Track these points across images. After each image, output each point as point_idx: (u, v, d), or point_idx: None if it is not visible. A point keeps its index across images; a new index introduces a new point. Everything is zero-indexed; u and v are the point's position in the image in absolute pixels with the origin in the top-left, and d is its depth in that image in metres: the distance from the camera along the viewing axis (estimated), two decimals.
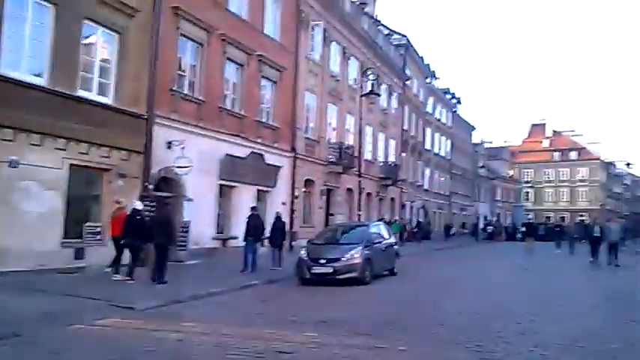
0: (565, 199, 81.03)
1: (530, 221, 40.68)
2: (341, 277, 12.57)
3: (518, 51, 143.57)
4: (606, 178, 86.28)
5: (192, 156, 15.38)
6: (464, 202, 55.57)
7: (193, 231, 15.73)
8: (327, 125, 26.82)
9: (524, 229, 43.85)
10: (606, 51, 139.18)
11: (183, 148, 15.12)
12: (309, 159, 24.52)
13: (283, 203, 22.38)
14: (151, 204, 13.62)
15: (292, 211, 22.69)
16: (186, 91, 16.59)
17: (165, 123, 15.35)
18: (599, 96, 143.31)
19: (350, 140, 28.49)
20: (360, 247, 13.09)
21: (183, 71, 16.66)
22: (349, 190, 28.26)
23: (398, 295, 11.52)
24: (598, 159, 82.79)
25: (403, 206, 38.31)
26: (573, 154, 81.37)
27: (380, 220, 26.08)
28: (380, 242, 14.26)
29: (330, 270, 12.63)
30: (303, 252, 13.55)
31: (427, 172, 45.62)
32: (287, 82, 22.63)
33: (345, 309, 9.43)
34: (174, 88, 15.88)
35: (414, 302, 10.35)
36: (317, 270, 12.74)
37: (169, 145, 15.29)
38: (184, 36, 16.40)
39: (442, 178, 49.96)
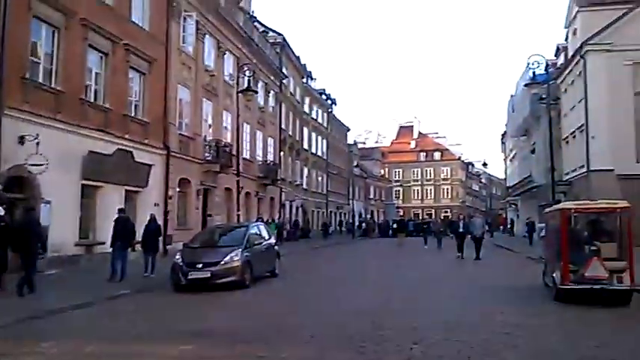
0: (430, 197, 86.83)
1: (402, 218, 42.72)
2: (220, 281, 11.88)
3: (390, 56, 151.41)
4: (465, 176, 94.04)
5: (49, 153, 13.65)
6: (340, 201, 57.04)
7: (53, 237, 14.01)
8: (202, 122, 25.70)
9: (395, 225, 46.34)
10: (466, 61, 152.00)
11: (37, 143, 13.36)
12: (184, 157, 23.29)
13: (156, 204, 20.97)
14: (1, 206, 11.79)
15: (166, 213, 21.35)
16: (41, 80, 14.73)
17: (16, 115, 13.48)
18: (459, 102, 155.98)
19: (227, 138, 27.66)
20: (240, 250, 12.49)
21: (38, 58, 14.79)
22: (228, 189, 27.36)
23: (280, 297, 11.11)
24: (459, 159, 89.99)
25: (283, 205, 38.18)
26: (437, 155, 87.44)
27: (258, 219, 25.61)
28: (260, 243, 13.77)
29: (208, 275, 11.88)
30: (177, 256, 12.63)
31: (305, 171, 46.01)
32: (158, 75, 21.23)
33: (224, 316, 8.82)
34: (26, 76, 14.01)
35: (297, 304, 10.02)
36: (193, 275, 11.91)
37: (21, 140, 13.46)
38: (38, 18, 14.56)
39: (320, 178, 50.76)
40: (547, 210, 11.69)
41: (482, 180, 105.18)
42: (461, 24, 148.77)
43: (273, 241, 15.27)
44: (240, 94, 22.51)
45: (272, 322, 8.14)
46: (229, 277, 11.99)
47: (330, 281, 13.78)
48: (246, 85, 21.66)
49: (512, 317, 8.16)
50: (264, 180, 32.96)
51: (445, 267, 17.98)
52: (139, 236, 14.23)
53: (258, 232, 14.20)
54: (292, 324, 7.96)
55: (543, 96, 23.76)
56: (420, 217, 65.90)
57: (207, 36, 25.72)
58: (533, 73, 21.05)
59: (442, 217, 42.77)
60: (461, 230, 20.61)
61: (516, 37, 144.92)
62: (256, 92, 23.46)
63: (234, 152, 25.68)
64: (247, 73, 22.13)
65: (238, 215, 21.57)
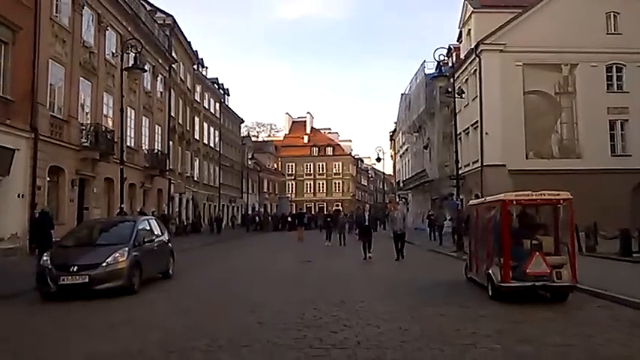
0: (322, 191, 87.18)
1: (301, 211, 41.63)
2: (101, 287, 9.67)
3: (282, 51, 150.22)
4: (356, 172, 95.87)
5: None
6: (233, 194, 54.81)
7: None
8: (79, 103, 22.49)
9: (289, 219, 45.24)
10: (355, 61, 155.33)
11: None
12: (56, 142, 20.09)
13: (20, 195, 17.80)
14: None
15: (33, 206, 18.19)
16: None
17: None
18: (349, 100, 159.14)
19: (109, 124, 24.60)
20: (127, 248, 10.33)
21: None
22: (109, 180, 24.31)
23: (176, 304, 9.14)
24: (349, 155, 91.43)
25: (172, 198, 35.33)
26: (329, 150, 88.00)
27: (140, 213, 22.89)
28: (151, 240, 11.63)
29: (86, 280, 9.60)
30: (45, 257, 10.18)
31: (196, 162, 43.32)
32: (24, 46, 17.99)
33: (109, 335, 6.78)
34: None
35: (197, 313, 8.16)
36: (66, 281, 9.57)
37: None
38: None
39: (212, 170, 48.21)
40: (473, 202, 10.93)
41: (370, 175, 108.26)
42: (352, 23, 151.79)
43: (166, 237, 13.14)
44: (124, 75, 19.83)
45: (169, 338, 6.31)
46: (114, 281, 9.82)
47: (232, 281, 12.02)
48: (132, 63, 19.06)
49: (457, 322, 7.05)
50: (150, 170, 30.08)
51: (360, 264, 15.89)
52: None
53: (149, 228, 12.01)
54: (194, 338, 6.18)
55: (449, 89, 23.63)
56: (313, 211, 65.43)
57: (85, 8, 22.53)
58: (439, 65, 20.78)
59: (334, 210, 41.98)
60: (366, 224, 17.25)
61: (402, 39, 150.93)
62: (144, 70, 20.83)
63: (116, 139, 22.79)
64: (132, 49, 19.44)
65: (121, 208, 18.91)
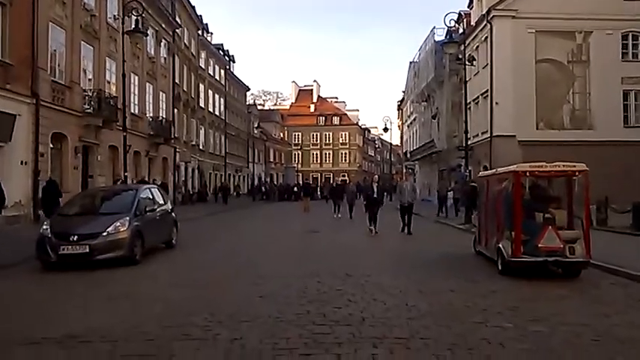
0: (329, 161, 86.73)
1: (307, 181, 41.39)
2: (102, 257, 9.49)
3: (287, 18, 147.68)
4: (363, 142, 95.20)
5: None
6: (239, 163, 54.56)
7: None
8: (81, 68, 22.09)
9: (295, 189, 45.06)
10: (363, 29, 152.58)
11: None
12: (58, 108, 19.81)
13: (23, 162, 17.63)
14: None
15: (36, 173, 18.06)
16: None
17: None
18: (356, 68, 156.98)
19: (112, 90, 24.21)
20: (128, 217, 10.10)
21: None
22: (113, 147, 24.09)
23: (178, 276, 8.94)
24: (356, 124, 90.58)
25: (177, 167, 35.15)
26: (336, 120, 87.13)
27: (141, 181, 22.47)
28: (153, 210, 11.39)
29: (86, 249, 9.41)
30: (45, 226, 9.99)
31: (202, 130, 42.96)
32: (23, 8, 17.54)
33: (107, 308, 6.59)
34: None
35: (200, 285, 7.95)
36: (66, 250, 9.38)
37: None
38: None
39: (217, 138, 47.86)
40: (483, 173, 10.58)
41: (377, 145, 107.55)
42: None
43: (169, 206, 12.91)
44: (126, 39, 19.33)
45: (171, 313, 6.11)
46: (115, 251, 9.65)
47: (237, 252, 11.76)
48: (133, 26, 18.53)
49: (466, 298, 6.80)
50: (155, 138, 29.80)
51: (366, 236, 15.32)
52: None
53: (151, 197, 11.77)
54: (197, 314, 5.96)
55: (459, 56, 22.96)
56: (319, 181, 65.08)
57: None
58: (450, 31, 20.13)
59: (340, 181, 41.37)
60: (375, 196, 16.07)
61: (412, 6, 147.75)
62: (145, 34, 20.37)
63: (120, 106, 22.42)
64: (134, 12, 18.87)
65: (125, 177, 18.71)
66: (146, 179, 18.46)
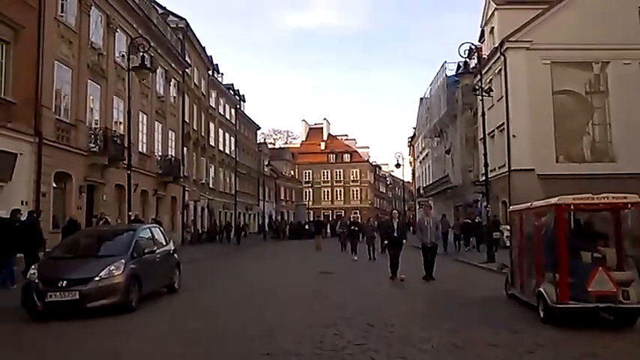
0: (340, 198, 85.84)
1: (319, 218, 40.38)
2: (94, 304, 8.57)
3: (297, 57, 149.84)
4: (374, 179, 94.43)
5: None
6: (249, 202, 53.81)
7: None
8: (88, 107, 21.66)
9: (307, 227, 44.01)
10: (373, 67, 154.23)
11: None
12: (63, 146, 19.21)
13: (23, 202, 16.88)
14: None
15: (38, 213, 17.26)
16: None
17: None
18: (367, 106, 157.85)
19: (120, 129, 23.73)
20: (124, 260, 9.21)
21: None
22: (120, 186, 23.38)
23: (177, 327, 7.94)
24: (367, 161, 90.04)
25: (186, 206, 34.40)
26: (347, 157, 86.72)
27: (135, 220, 21.12)
28: (153, 251, 10.48)
29: (76, 296, 8.50)
30: (32, 270, 9.10)
31: (212, 169, 42.42)
32: (28, 47, 17.18)
33: None
34: None
35: (200, 338, 6.97)
36: (54, 297, 8.47)
37: None
38: None
39: (228, 177, 47.30)
40: (516, 207, 9.59)
41: (389, 182, 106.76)
42: (367, 31, 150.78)
43: (171, 247, 11.99)
44: (134, 77, 18.89)
45: None
46: (107, 298, 8.71)
47: (248, 298, 10.64)
48: (139, 63, 18.10)
49: (511, 355, 5.74)
50: (164, 177, 29.16)
51: (388, 280, 13.26)
52: None
53: (151, 236, 10.89)
54: None
55: (476, 87, 22.24)
56: (330, 218, 64.01)
57: (93, 8, 21.73)
58: (466, 61, 19.49)
59: (351, 219, 40.06)
60: (395, 235, 13.50)
61: (419, 45, 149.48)
62: (152, 70, 19.96)
63: (127, 144, 21.89)
64: (141, 48, 18.47)
65: (129, 216, 17.91)
66: (140, 218, 17.60)
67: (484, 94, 20.34)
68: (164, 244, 11.55)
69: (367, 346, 6.18)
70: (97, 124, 22.23)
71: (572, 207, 7.20)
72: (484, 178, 30.90)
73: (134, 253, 9.62)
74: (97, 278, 8.71)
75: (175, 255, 12.05)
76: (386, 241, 14.28)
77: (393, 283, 12.95)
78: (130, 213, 18.19)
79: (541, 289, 7.55)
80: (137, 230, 10.55)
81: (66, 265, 9.13)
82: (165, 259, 11.19)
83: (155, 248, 10.60)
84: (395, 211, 15.85)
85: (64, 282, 8.55)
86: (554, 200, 7.34)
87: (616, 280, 7.03)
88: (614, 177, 24.23)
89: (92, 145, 21.15)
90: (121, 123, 24.12)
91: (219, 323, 7.99)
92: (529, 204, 8.51)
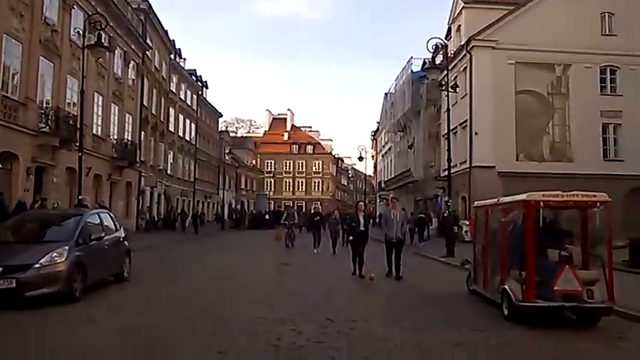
0: (301, 189, 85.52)
1: (279, 209, 39.89)
2: (33, 293, 7.90)
3: (262, 46, 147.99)
4: (336, 171, 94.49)
5: None
6: (209, 190, 52.76)
7: None
8: (39, 85, 20.46)
9: (267, 217, 43.43)
10: (338, 60, 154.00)
11: None
12: (9, 125, 18.09)
13: None
14: None
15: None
16: None
17: None
18: (331, 98, 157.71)
19: (75, 110, 22.58)
20: (67, 247, 8.55)
21: None
22: (71, 169, 22.29)
23: (122, 320, 7.35)
24: (330, 154, 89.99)
25: (142, 192, 33.29)
26: (310, 148, 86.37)
27: (80, 205, 19.39)
28: (100, 237, 9.80)
29: (13, 284, 7.81)
30: None
31: (171, 155, 41.26)
32: None
33: None
34: None
35: (145, 334, 6.43)
36: None
37: None
38: None
39: (187, 164, 46.17)
40: (481, 202, 9.40)
41: (350, 175, 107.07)
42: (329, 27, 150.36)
43: (121, 234, 11.31)
44: (90, 57, 17.89)
45: None
46: (48, 287, 8.06)
47: (201, 289, 10.10)
48: (96, 41, 17.11)
49: (478, 355, 5.50)
50: (119, 162, 28.07)
51: (350, 274, 12.45)
52: None
53: (99, 222, 10.20)
54: None
55: (442, 83, 22.20)
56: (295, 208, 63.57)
57: None
58: (433, 56, 19.39)
59: (313, 210, 39.45)
60: (362, 229, 12.45)
61: (386, 39, 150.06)
62: (108, 49, 18.96)
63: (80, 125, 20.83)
64: (98, 26, 17.45)
65: (79, 200, 16.99)
66: (85, 203, 16.64)
67: (450, 90, 20.27)
68: (114, 230, 10.88)
69: (327, 344, 5.82)
70: (48, 103, 21.09)
71: (541, 204, 7.02)
72: (446, 173, 31.23)
73: (79, 239, 8.95)
74: (37, 265, 8.03)
75: (126, 242, 11.38)
76: (351, 237, 12.84)
77: (355, 278, 12.12)
78: (80, 197, 17.26)
79: (506, 287, 7.36)
80: (84, 215, 9.85)
81: (4, 251, 8.40)
82: (115, 247, 10.53)
83: (103, 234, 9.92)
84: (361, 203, 14.64)
85: (0, 269, 7.84)
86: (522, 196, 7.14)
87: (581, 279, 6.90)
88: (571, 177, 24.75)
89: (42, 125, 20.04)
90: (75, 105, 22.98)
91: (169, 317, 7.45)
92: (496, 199, 8.33)
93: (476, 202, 9.62)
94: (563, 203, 7.05)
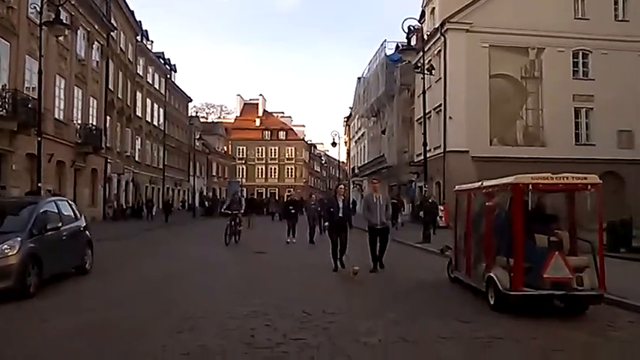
0: (274, 176, 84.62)
1: (252, 196, 39.20)
2: None
3: (233, 30, 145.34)
4: (309, 157, 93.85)
5: None
6: (179, 177, 51.56)
7: None
8: None
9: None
10: (310, 45, 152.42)
11: None
12: None
13: None
14: None
15: None
16: None
17: None
18: (303, 84, 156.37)
19: (35, 93, 21.41)
20: (20, 238, 7.84)
21: None
22: (31, 156, 21.17)
23: (81, 317, 6.72)
24: (303, 140, 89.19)
25: (109, 179, 32.16)
26: (282, 134, 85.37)
27: (30, 193, 17.31)
28: (57, 227, 9.07)
29: None
30: None
31: (138, 141, 39.99)
32: None
33: None
34: None
35: (106, 333, 5.85)
36: None
37: None
38: None
39: (156, 150, 44.89)
40: (463, 186, 9.01)
41: (324, 161, 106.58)
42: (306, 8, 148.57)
43: (82, 223, 10.56)
44: (50, 37, 16.90)
45: None
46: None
47: (168, 283, 9.43)
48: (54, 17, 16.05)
49: (466, 352, 5.11)
50: (83, 147, 26.95)
51: (328, 263, 11.20)
52: None
53: (57, 211, 9.45)
54: None
55: (419, 65, 21.76)
56: (264, 196, 62.74)
57: None
58: (408, 39, 18.90)
59: (286, 196, 38.75)
60: (340, 215, 10.86)
61: (358, 24, 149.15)
62: (68, 27, 17.87)
63: (43, 110, 19.72)
64: (57, 1, 16.37)
65: (39, 188, 16.09)
66: (32, 191, 15.82)
67: (425, 72, 19.86)
68: (73, 219, 10.14)
69: (305, 341, 5.33)
70: (5, 86, 19.92)
71: (530, 187, 6.63)
72: (420, 158, 31.01)
73: (34, 229, 8.23)
74: None
75: (87, 232, 10.64)
76: (326, 223, 11.43)
77: (333, 270, 10.69)
78: (39, 184, 16.33)
79: (492, 275, 6.99)
80: (39, 203, 9.08)
81: None
82: (74, 237, 9.80)
83: (60, 224, 9.19)
84: (342, 186, 12.75)
85: None
86: (510, 179, 6.75)
87: (571, 265, 6.57)
88: (544, 161, 24.73)
89: None
90: (35, 89, 21.79)
91: (132, 313, 6.83)
92: (479, 183, 7.93)
93: (457, 187, 9.22)
94: (552, 186, 6.68)
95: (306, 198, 34.14)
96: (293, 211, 18.89)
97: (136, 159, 39.13)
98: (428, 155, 28.47)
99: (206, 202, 45.96)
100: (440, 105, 28.05)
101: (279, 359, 4.78)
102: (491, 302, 6.97)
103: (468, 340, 5.44)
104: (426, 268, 10.97)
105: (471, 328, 5.98)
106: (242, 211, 18.47)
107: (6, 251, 7.57)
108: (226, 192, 62.81)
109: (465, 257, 8.45)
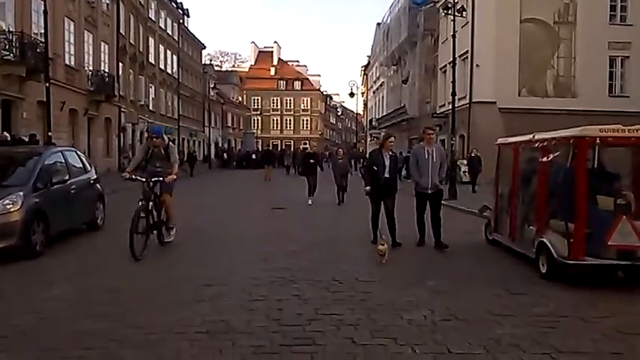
0: (290, 128, 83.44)
1: (268, 148, 38.48)
2: None
3: None
4: (325, 109, 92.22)
5: None
6: (194, 127, 50.80)
7: None
8: None
9: (254, 156, 42.01)
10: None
11: None
12: None
13: None
14: None
15: None
16: None
17: None
18: (318, 32, 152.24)
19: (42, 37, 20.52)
20: (22, 192, 7.20)
21: None
22: (42, 103, 20.50)
23: (88, 280, 6.14)
24: (318, 90, 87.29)
25: (123, 129, 31.57)
26: (297, 84, 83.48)
27: (32, 137, 15.92)
28: (65, 180, 8.43)
29: None
30: None
31: (152, 89, 39.08)
32: None
33: None
34: None
35: (119, 298, 5.27)
36: None
37: None
38: None
39: (170, 99, 44.01)
40: (508, 139, 8.12)
41: (339, 113, 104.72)
42: None
43: (92, 175, 9.92)
44: None
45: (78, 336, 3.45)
46: (2, 240, 6.83)
47: (182, 244, 8.67)
48: None
49: (529, 332, 4.40)
50: (96, 95, 26.23)
51: (357, 213, 11.12)
52: None
53: (63, 162, 8.77)
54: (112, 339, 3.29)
55: (449, 5, 20.32)
56: (279, 148, 61.77)
57: None
58: None
59: (302, 149, 37.56)
60: (386, 176, 8.36)
61: None
62: None
63: (52, 54, 18.93)
64: None
65: (49, 137, 15.48)
66: (37, 138, 15.15)
67: (456, 14, 18.51)
68: (82, 171, 9.48)
69: (341, 317, 4.65)
70: (11, 27, 19.03)
71: (598, 140, 5.74)
72: (442, 110, 29.83)
73: (38, 183, 7.59)
74: None
75: (98, 185, 10.02)
76: (368, 187, 8.58)
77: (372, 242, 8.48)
78: (49, 133, 15.73)
79: (545, 240, 6.21)
80: (43, 154, 8.41)
81: None
82: (84, 190, 9.18)
83: (68, 177, 8.54)
84: (391, 138, 8.85)
85: None
86: (574, 131, 5.85)
87: None
88: (574, 113, 23.39)
89: (5, 52, 18.11)
90: (42, 31, 20.88)
91: (142, 280, 6.18)
92: (532, 135, 7.02)
93: (500, 139, 8.32)
94: (625, 140, 5.78)
95: (321, 151, 33.02)
96: (312, 162, 16.92)
97: (150, 108, 38.37)
98: (451, 107, 27.42)
99: (224, 154, 45.22)
100: (466, 52, 26.54)
101: (308, 338, 4.11)
102: (543, 271, 6.22)
103: (529, 319, 4.71)
104: (458, 228, 10.20)
105: (526, 302, 5.25)
106: None
107: (8, 207, 6.95)
108: (242, 144, 62.13)
109: (508, 219, 7.66)
